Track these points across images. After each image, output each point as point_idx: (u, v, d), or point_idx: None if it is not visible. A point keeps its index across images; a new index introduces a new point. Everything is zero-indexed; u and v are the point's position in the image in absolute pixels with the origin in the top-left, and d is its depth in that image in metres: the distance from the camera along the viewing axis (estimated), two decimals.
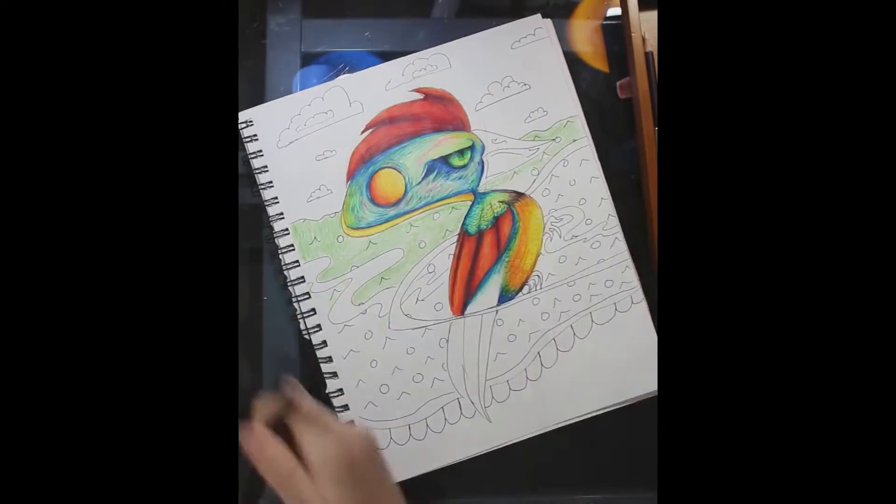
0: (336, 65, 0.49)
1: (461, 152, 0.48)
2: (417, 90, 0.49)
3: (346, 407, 0.47)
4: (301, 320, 0.47)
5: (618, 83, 0.50)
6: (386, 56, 0.50)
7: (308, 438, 0.38)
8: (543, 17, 0.50)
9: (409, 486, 0.47)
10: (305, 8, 0.51)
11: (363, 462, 0.39)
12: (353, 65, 0.50)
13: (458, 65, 0.49)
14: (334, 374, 0.47)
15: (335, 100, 0.48)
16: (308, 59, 0.50)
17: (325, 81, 0.49)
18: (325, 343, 0.47)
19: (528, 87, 0.49)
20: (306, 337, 0.47)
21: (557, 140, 0.48)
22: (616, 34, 0.51)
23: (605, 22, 0.51)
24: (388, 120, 0.48)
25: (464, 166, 0.48)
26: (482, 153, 0.48)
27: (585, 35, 0.51)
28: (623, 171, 0.49)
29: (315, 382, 0.47)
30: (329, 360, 0.47)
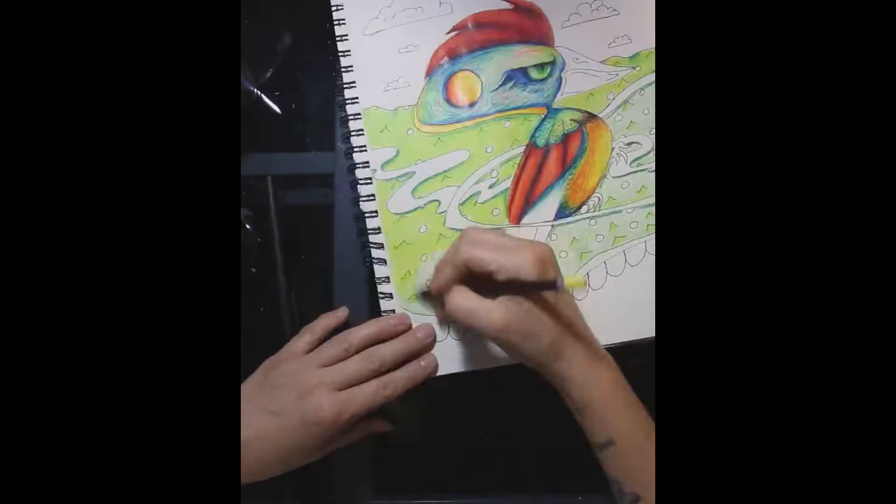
0: None
1: (541, 66, 0.48)
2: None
3: (390, 295, 0.47)
4: (360, 204, 0.48)
5: None
6: None
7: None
8: None
9: (403, 483, 0.48)
10: None
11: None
12: None
13: None
14: (383, 261, 0.47)
15: None
16: None
17: None
18: (378, 230, 0.47)
19: (616, 13, 0.49)
20: (363, 221, 0.48)
21: (637, 69, 0.48)
22: None
23: None
24: (474, 24, 0.49)
25: (542, 80, 0.48)
26: (562, 70, 0.48)
27: None
28: None
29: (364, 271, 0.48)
30: (381, 246, 0.47)
